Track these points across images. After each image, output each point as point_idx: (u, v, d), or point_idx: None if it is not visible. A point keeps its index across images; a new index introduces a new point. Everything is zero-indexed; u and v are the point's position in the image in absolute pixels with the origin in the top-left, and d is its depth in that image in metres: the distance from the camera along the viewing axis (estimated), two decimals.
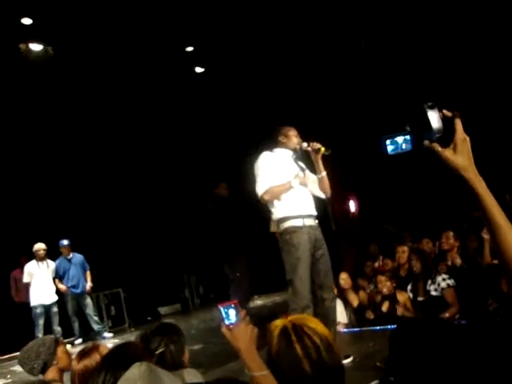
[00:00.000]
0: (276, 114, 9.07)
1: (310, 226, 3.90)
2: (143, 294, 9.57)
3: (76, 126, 8.83)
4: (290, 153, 4.13)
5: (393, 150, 1.65)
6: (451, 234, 5.33)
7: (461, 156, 1.20)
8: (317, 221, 4.00)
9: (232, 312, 1.69)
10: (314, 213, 3.99)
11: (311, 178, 4.08)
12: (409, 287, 5.26)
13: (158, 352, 2.26)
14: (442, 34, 9.14)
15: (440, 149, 1.21)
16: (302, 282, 3.77)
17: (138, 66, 8.57)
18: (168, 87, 9.50)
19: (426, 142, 1.21)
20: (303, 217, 3.89)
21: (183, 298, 10.35)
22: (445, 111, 1.24)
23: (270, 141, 4.22)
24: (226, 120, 10.49)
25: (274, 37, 8.61)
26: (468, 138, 1.23)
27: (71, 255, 7.87)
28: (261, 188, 3.94)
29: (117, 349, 2.03)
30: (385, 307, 5.08)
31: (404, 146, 1.61)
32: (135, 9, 7.29)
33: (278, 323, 1.51)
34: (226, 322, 1.68)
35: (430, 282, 4.97)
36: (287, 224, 3.89)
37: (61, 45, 7.42)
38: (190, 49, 9.42)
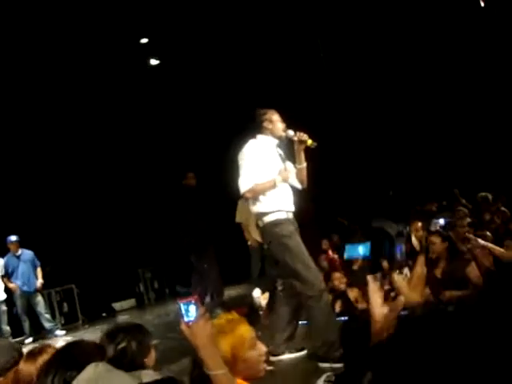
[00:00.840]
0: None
1: (291, 220, 3.85)
2: (97, 290, 9.38)
3: (26, 119, 8.55)
4: (275, 141, 3.96)
5: (349, 256, 1.66)
6: (419, 224, 5.38)
7: (415, 293, 1.34)
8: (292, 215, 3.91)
9: (192, 308, 1.63)
10: (293, 208, 3.91)
11: (289, 168, 3.95)
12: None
13: (119, 347, 2.21)
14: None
15: (396, 279, 1.37)
16: (308, 268, 3.65)
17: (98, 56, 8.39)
18: (133, 78, 9.36)
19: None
20: (286, 211, 3.83)
21: (138, 292, 10.22)
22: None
23: (253, 125, 4.00)
24: (191, 110, 10.41)
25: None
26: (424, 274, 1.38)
27: (20, 252, 7.62)
28: (244, 185, 3.79)
29: (66, 348, 1.96)
30: (337, 306, 5.13)
31: (361, 252, 1.63)
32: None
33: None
34: (185, 319, 1.63)
35: (397, 272, 5.02)
36: (272, 217, 3.76)
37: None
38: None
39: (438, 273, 4.74)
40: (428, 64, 10.07)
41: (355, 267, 5.72)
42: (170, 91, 10.11)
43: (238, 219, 7.74)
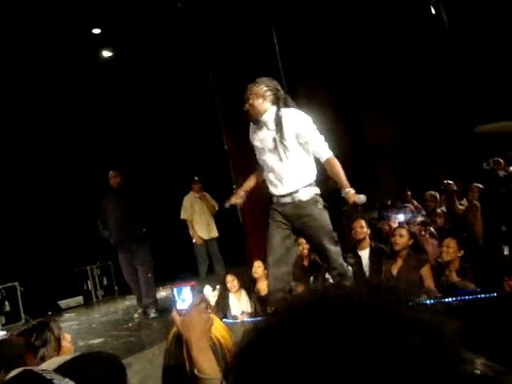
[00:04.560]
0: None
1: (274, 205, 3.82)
2: (42, 288, 9.05)
3: None
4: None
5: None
6: (363, 221, 5.42)
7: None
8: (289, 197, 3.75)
9: (186, 294, 1.44)
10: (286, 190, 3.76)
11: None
12: (311, 278, 5.40)
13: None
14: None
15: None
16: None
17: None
18: (85, 70, 9.08)
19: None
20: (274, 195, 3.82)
21: (86, 290, 9.94)
22: None
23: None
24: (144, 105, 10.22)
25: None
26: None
27: None
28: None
29: None
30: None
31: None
32: None
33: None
34: (178, 307, 1.44)
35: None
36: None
37: None
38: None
39: (395, 269, 4.80)
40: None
41: (305, 263, 5.76)
42: (124, 84, 9.89)
43: (182, 216, 7.69)
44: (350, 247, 5.47)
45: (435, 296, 4.26)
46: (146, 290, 6.53)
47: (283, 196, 3.76)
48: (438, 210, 7.17)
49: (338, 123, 10.49)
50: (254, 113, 3.75)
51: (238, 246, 8.91)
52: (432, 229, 5.97)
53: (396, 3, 9.87)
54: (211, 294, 6.09)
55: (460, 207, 6.26)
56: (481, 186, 6.60)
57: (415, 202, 8.08)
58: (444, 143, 10.06)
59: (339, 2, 9.87)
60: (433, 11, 10.23)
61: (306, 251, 5.71)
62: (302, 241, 5.63)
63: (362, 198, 3.69)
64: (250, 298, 5.66)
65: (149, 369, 4.10)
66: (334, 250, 3.77)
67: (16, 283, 8.64)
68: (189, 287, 1.45)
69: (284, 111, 3.71)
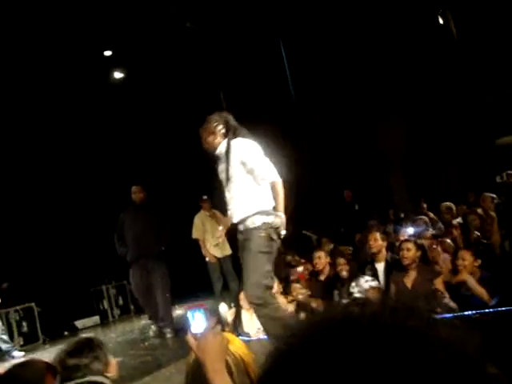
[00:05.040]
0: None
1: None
2: (59, 308, 9.08)
3: None
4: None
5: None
6: (378, 234, 5.41)
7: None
8: (242, 225, 3.73)
9: (200, 317, 1.45)
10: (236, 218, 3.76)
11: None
12: (335, 292, 5.35)
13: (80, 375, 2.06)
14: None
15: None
16: None
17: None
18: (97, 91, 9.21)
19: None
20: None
21: (102, 309, 9.96)
22: None
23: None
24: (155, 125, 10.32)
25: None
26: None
27: None
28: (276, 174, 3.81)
29: (14, 370, 1.88)
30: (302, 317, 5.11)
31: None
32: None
33: None
34: (192, 330, 1.44)
35: (353, 284, 5.04)
36: None
37: None
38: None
39: (409, 282, 4.76)
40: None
41: (322, 278, 5.72)
42: (136, 104, 10.02)
43: (194, 235, 7.65)
44: (367, 260, 5.45)
45: (452, 308, 4.22)
46: (163, 310, 6.43)
47: (237, 224, 3.78)
48: (454, 222, 7.11)
49: (349, 135, 10.53)
50: (210, 149, 3.89)
51: None
52: (449, 240, 5.91)
53: (405, 15, 9.91)
54: (227, 312, 6.05)
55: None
56: (494, 195, 6.54)
57: (431, 214, 8.01)
58: (459, 154, 10.00)
59: (347, 13, 9.94)
60: (441, 21, 10.26)
61: (321, 266, 5.67)
62: (319, 254, 5.62)
63: (283, 232, 3.68)
64: None
65: None
66: (256, 281, 3.61)
67: (33, 304, 8.68)
68: (202, 310, 1.47)
69: (231, 142, 3.78)
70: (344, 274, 5.28)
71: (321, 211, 9.83)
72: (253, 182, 3.70)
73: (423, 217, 7.66)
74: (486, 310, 3.88)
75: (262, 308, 3.57)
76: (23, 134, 8.84)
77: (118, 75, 9.95)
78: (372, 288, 4.93)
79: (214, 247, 7.53)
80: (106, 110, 9.78)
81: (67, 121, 9.37)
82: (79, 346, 2.15)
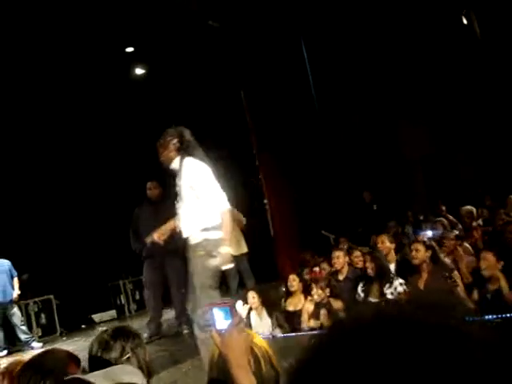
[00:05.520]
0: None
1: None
2: (77, 301, 9.19)
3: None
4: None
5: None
6: (385, 237, 5.43)
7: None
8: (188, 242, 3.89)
9: (224, 314, 1.46)
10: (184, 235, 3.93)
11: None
12: (359, 287, 5.32)
13: (124, 359, 2.07)
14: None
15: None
16: None
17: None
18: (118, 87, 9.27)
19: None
20: None
21: (119, 304, 10.04)
22: None
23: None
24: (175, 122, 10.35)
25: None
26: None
27: None
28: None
29: (40, 356, 1.91)
30: (322, 316, 5.08)
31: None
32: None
33: None
34: (217, 326, 1.46)
35: (388, 285, 5.01)
36: None
37: None
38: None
39: (421, 283, 4.73)
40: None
41: (341, 277, 5.69)
42: (157, 101, 10.07)
43: None
44: None
45: (470, 309, 4.15)
46: (180, 307, 6.39)
47: (186, 239, 3.93)
48: (474, 224, 7.03)
49: (371, 136, 10.46)
50: (165, 163, 4.01)
51: (269, 261, 8.89)
52: (467, 244, 5.86)
53: (429, 15, 9.80)
54: (243, 309, 6.05)
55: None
56: None
57: (450, 217, 7.94)
58: (480, 157, 9.87)
59: (370, 14, 9.86)
60: (464, 21, 10.12)
61: (339, 266, 5.64)
62: (337, 253, 5.60)
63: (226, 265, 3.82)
64: (271, 315, 5.57)
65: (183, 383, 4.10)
66: (197, 299, 3.79)
67: (51, 296, 8.80)
68: (227, 307, 1.48)
69: (184, 161, 3.89)
70: (370, 271, 5.25)
71: (340, 212, 9.78)
72: (200, 203, 3.82)
73: (442, 219, 7.60)
74: (509, 315, 3.81)
75: (200, 330, 3.70)
76: (45, 130, 8.96)
77: (139, 71, 10.02)
78: (404, 292, 4.90)
79: (230, 245, 7.54)
80: (127, 106, 9.85)
81: (88, 117, 9.47)
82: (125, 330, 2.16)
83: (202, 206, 3.79)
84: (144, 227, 6.35)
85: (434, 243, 5.26)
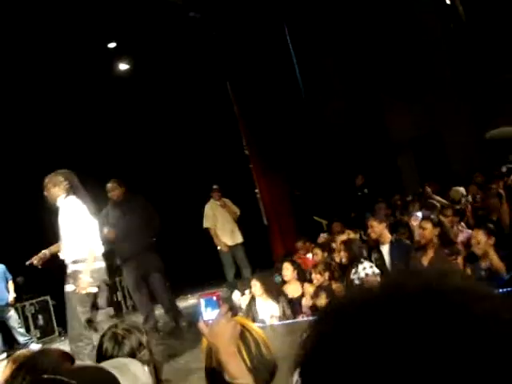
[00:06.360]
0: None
1: None
2: None
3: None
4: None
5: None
6: (374, 221, 5.43)
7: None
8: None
9: (211, 305, 1.51)
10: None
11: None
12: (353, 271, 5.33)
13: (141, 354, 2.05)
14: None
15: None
16: None
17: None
18: (101, 83, 9.16)
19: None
20: None
21: (116, 301, 10.03)
22: None
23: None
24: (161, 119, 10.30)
25: None
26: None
27: None
28: None
29: (32, 357, 1.91)
30: (322, 299, 5.08)
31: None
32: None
33: None
34: (205, 317, 1.50)
35: (353, 270, 5.04)
36: None
37: None
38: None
39: (426, 260, 4.72)
40: None
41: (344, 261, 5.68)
42: (142, 95, 10.00)
43: (205, 224, 7.66)
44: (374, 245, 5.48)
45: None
46: (168, 300, 6.42)
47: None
48: (463, 200, 7.06)
49: (358, 119, 10.46)
50: (49, 199, 4.46)
51: (264, 249, 8.91)
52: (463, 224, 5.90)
53: None
54: (241, 299, 6.07)
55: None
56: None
57: (437, 197, 7.91)
58: (467, 134, 9.89)
59: None
60: (448, 1, 10.10)
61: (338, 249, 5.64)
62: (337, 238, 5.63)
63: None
64: (278, 301, 5.60)
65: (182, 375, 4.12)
66: (72, 332, 4.47)
67: (47, 297, 8.77)
68: (215, 297, 1.53)
69: (67, 200, 4.40)
70: (343, 260, 5.26)
71: (331, 197, 9.80)
72: (74, 237, 4.38)
73: (432, 201, 7.58)
74: (505, 290, 3.85)
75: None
76: (26, 131, 8.85)
77: (122, 67, 9.93)
78: (368, 275, 4.89)
79: (225, 235, 7.57)
80: (112, 102, 9.77)
81: (72, 114, 9.38)
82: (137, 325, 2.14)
83: (74, 241, 4.36)
84: (116, 230, 6.18)
85: (443, 219, 5.21)
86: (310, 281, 5.59)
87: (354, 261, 5.12)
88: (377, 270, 4.95)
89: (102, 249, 4.62)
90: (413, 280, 0.50)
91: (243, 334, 1.49)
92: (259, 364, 1.48)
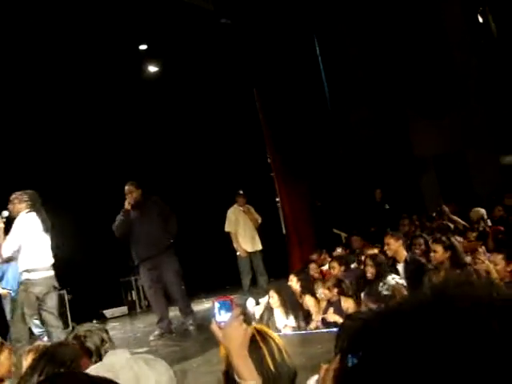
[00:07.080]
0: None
1: None
2: (89, 296, 9.27)
3: (17, 126, 8.50)
4: None
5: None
6: (391, 238, 5.39)
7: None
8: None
9: (225, 308, 1.54)
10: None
11: None
12: (363, 293, 5.30)
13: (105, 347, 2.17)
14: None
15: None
16: None
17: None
18: (132, 85, 9.28)
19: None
20: None
21: (130, 300, 10.11)
22: None
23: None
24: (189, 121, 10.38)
25: None
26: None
27: None
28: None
29: (53, 347, 1.94)
30: (329, 314, 5.08)
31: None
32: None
33: None
34: (218, 319, 1.53)
35: (381, 283, 5.02)
36: None
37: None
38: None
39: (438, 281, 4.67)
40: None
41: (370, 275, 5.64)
42: (170, 99, 10.10)
43: (227, 228, 7.70)
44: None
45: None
46: (183, 302, 6.44)
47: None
48: (482, 225, 6.96)
49: (383, 133, 10.40)
50: (12, 213, 5.07)
51: (281, 258, 8.89)
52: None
53: (444, 13, 9.72)
54: (255, 307, 6.04)
55: None
56: None
57: (454, 217, 7.78)
58: (494, 154, 9.76)
59: (383, 10, 9.80)
60: (480, 20, 10.02)
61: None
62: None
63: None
64: (294, 312, 5.56)
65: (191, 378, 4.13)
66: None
67: (64, 291, 8.86)
68: (229, 301, 1.57)
69: (23, 214, 5.02)
70: (369, 275, 5.22)
71: (351, 210, 9.75)
72: (23, 247, 4.98)
73: (447, 222, 7.45)
74: None
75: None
76: (57, 129, 9.00)
77: (152, 69, 10.05)
78: (397, 283, 4.90)
79: (246, 241, 7.60)
80: (139, 104, 9.88)
81: (102, 116, 9.51)
82: None
83: (25, 252, 4.95)
84: (135, 233, 6.38)
85: (454, 241, 5.15)
86: (313, 293, 5.57)
87: (380, 274, 5.10)
88: (403, 281, 4.91)
89: (51, 260, 5.26)
90: (463, 290, 0.53)
91: (266, 340, 1.54)
92: (282, 370, 1.54)
